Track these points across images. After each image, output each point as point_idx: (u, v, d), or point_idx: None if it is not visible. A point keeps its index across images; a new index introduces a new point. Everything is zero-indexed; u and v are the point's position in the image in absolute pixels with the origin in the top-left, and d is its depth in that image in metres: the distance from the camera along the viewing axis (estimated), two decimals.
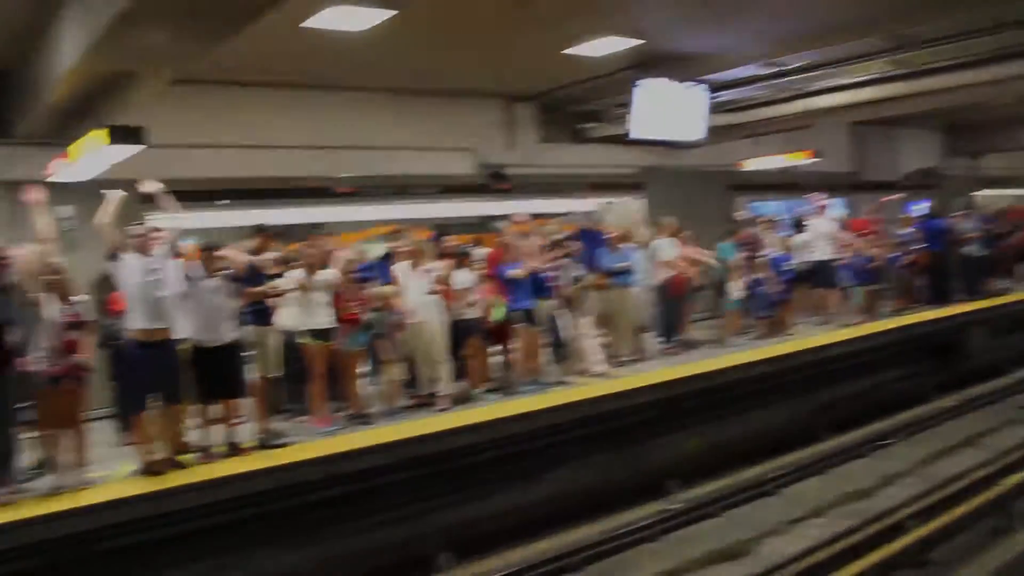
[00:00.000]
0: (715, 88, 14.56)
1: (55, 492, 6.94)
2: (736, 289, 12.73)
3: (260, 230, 9.58)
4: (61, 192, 8.06)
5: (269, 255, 9.27)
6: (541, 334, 10.30)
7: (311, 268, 8.69)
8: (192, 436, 7.85)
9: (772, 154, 19.06)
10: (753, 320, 12.95)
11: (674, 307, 12.27)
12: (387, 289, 9.36)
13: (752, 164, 19.34)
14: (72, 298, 7.42)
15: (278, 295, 8.70)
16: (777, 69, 14.45)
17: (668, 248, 12.18)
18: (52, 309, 7.22)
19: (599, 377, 10.38)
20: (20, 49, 9.84)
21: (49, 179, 10.08)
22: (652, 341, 12.25)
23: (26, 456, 7.24)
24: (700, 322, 13.27)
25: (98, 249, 7.53)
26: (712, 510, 8.99)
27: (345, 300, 8.91)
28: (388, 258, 10.07)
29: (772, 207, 18.03)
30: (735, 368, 10.95)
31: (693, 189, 17.15)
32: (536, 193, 15.83)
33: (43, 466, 7.30)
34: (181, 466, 7.44)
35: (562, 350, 10.59)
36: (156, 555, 6.88)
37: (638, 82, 13.39)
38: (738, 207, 17.85)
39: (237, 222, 10.64)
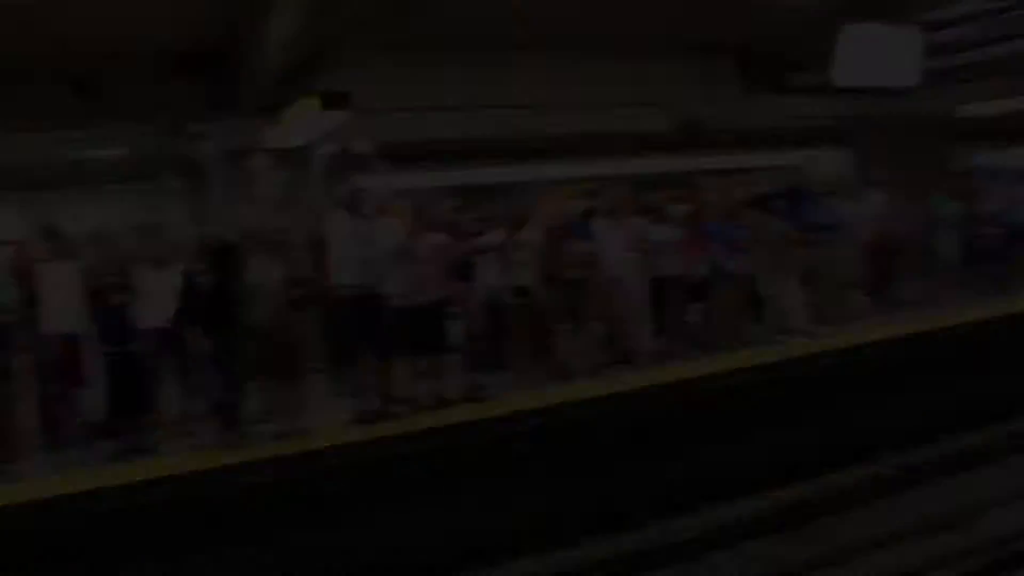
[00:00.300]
0: (931, 28, 13.61)
1: (277, 437, 7.43)
2: (951, 245, 11.98)
3: (464, 190, 9.80)
4: (279, 157, 8.52)
5: (473, 214, 9.47)
6: (743, 292, 10.06)
7: (513, 227, 8.81)
8: (401, 388, 8.18)
9: (995, 98, 17.69)
10: (971, 278, 12.14)
11: (883, 264, 11.68)
12: (588, 246, 9.38)
13: (972, 110, 18.02)
14: (290, 257, 7.89)
15: (481, 253, 8.88)
16: (1002, 3, 13.36)
17: (877, 202, 11.58)
18: (273, 268, 7.70)
19: (803, 336, 10.04)
20: (238, 28, 10.33)
21: (267, 146, 10.67)
22: (860, 299, 11.71)
23: (251, 404, 7.70)
24: (912, 280, 12.56)
25: (313, 210, 7.94)
26: (930, 476, 8.57)
27: (546, 258, 9.00)
28: (589, 216, 10.06)
29: (995, 156, 16.79)
30: (946, 329, 10.33)
31: (906, 139, 16.18)
32: (737, 147, 15.39)
33: (266, 413, 7.79)
34: (392, 416, 7.77)
35: (764, 308, 10.31)
36: (369, 497, 7.25)
37: (846, 26, 12.70)
38: (956, 157, 16.72)
39: (442, 182, 10.89)
